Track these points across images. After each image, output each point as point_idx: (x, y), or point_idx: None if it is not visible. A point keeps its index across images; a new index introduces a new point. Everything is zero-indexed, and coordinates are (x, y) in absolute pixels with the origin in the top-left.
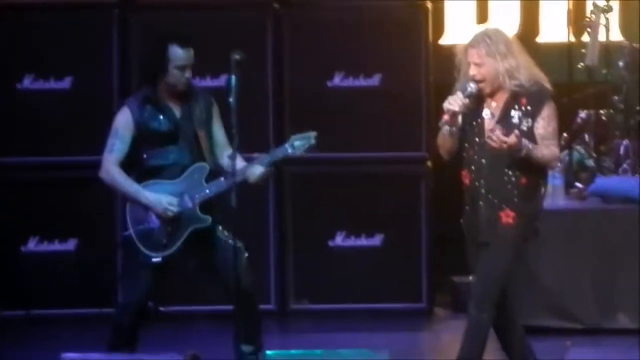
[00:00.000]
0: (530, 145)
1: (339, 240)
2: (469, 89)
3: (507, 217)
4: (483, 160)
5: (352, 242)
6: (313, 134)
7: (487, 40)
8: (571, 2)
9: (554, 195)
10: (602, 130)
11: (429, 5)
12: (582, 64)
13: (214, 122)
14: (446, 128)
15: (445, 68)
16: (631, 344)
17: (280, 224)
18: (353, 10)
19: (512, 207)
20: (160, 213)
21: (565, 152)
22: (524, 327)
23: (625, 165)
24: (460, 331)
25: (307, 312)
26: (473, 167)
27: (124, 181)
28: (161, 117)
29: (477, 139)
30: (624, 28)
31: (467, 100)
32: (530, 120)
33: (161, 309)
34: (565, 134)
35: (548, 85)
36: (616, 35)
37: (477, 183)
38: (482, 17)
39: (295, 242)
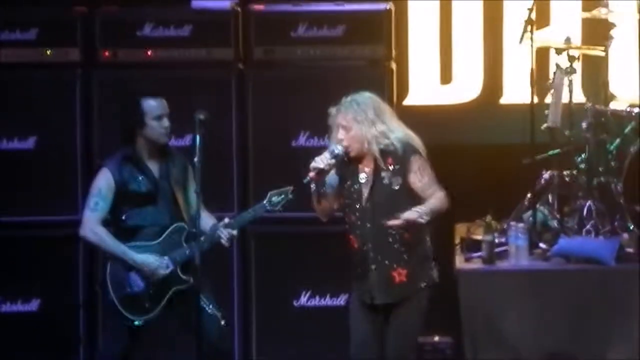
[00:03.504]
0: (424, 209)
1: (304, 299)
2: (335, 150)
3: (400, 275)
4: (368, 224)
5: (317, 301)
6: (290, 188)
7: (355, 106)
8: (534, 63)
9: (518, 255)
10: (565, 191)
11: (394, 66)
12: (545, 125)
13: (189, 184)
14: (313, 186)
15: (409, 128)
16: None
17: (245, 283)
18: (317, 70)
19: (403, 265)
20: (148, 274)
21: (529, 212)
22: None
23: (588, 226)
24: None
25: None
26: (358, 232)
27: (111, 242)
28: (140, 177)
29: (357, 205)
30: (587, 89)
31: (333, 161)
32: (400, 178)
33: None
34: (528, 195)
35: (416, 142)
36: (579, 97)
37: (365, 247)
38: (446, 78)
39: (259, 301)
